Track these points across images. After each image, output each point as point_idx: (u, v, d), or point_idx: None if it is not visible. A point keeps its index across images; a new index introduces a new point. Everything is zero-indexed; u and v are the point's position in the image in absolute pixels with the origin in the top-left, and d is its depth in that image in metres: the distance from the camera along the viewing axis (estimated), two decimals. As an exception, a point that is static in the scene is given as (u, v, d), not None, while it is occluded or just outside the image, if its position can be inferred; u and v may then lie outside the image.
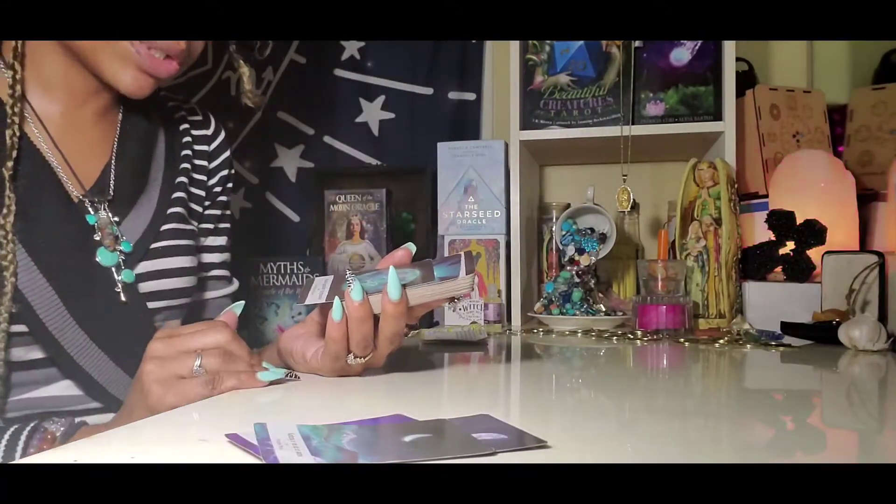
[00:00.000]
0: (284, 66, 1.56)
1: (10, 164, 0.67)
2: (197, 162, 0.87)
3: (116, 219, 0.74)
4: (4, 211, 0.65)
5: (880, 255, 0.91)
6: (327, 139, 1.54)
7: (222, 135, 0.91)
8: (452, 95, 1.47)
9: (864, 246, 1.08)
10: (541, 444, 0.38)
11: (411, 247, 0.62)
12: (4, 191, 0.66)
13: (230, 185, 0.92)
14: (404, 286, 0.56)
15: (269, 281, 1.46)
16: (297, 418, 0.43)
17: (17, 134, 0.68)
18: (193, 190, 0.86)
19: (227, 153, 0.91)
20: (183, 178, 0.83)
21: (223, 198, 0.91)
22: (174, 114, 0.87)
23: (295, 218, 1.55)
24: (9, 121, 0.68)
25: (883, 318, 0.88)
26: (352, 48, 1.52)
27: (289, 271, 1.42)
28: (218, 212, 0.91)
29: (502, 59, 1.36)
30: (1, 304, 0.63)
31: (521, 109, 1.20)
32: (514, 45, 1.20)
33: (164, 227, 0.79)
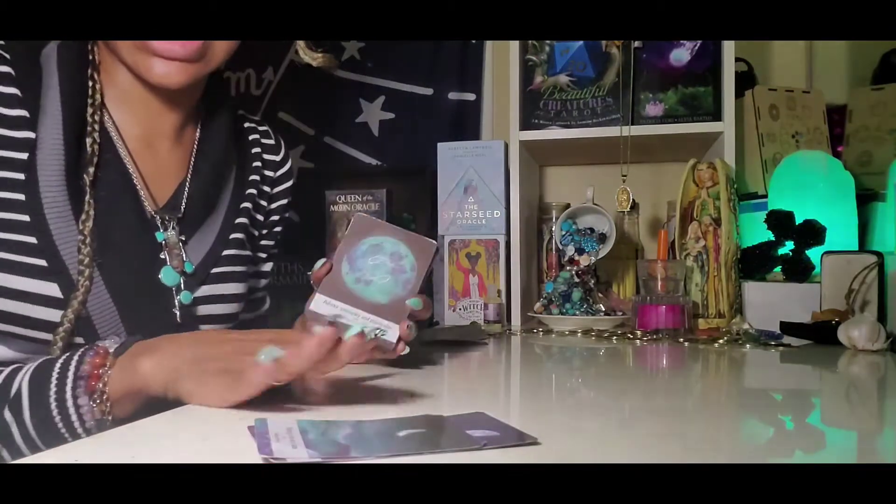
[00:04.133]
0: (284, 66, 1.56)
1: (91, 170, 0.66)
2: (263, 187, 0.86)
3: (183, 238, 0.73)
4: (83, 216, 0.65)
5: (879, 255, 0.91)
6: (327, 139, 1.54)
7: (289, 163, 0.90)
8: (452, 95, 1.47)
9: (863, 246, 1.08)
10: (532, 442, 0.38)
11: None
12: (85, 196, 0.66)
13: (287, 214, 0.91)
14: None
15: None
16: (300, 415, 0.43)
17: (98, 141, 0.68)
18: (256, 215, 0.85)
19: (291, 182, 0.90)
20: (248, 203, 0.82)
21: (278, 228, 0.90)
22: (248, 135, 0.86)
23: (295, 218, 1.55)
24: (89, 128, 0.68)
25: (882, 317, 0.88)
26: (352, 48, 1.52)
27: (289, 271, 1.42)
28: (272, 241, 0.90)
29: (502, 60, 1.36)
30: (70, 306, 0.62)
31: (521, 110, 1.20)
32: (514, 46, 1.20)
33: (226, 252, 0.77)
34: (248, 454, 0.36)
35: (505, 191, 1.20)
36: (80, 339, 0.64)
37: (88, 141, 0.67)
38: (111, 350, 0.54)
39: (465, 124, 1.47)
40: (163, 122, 0.76)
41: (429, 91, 1.48)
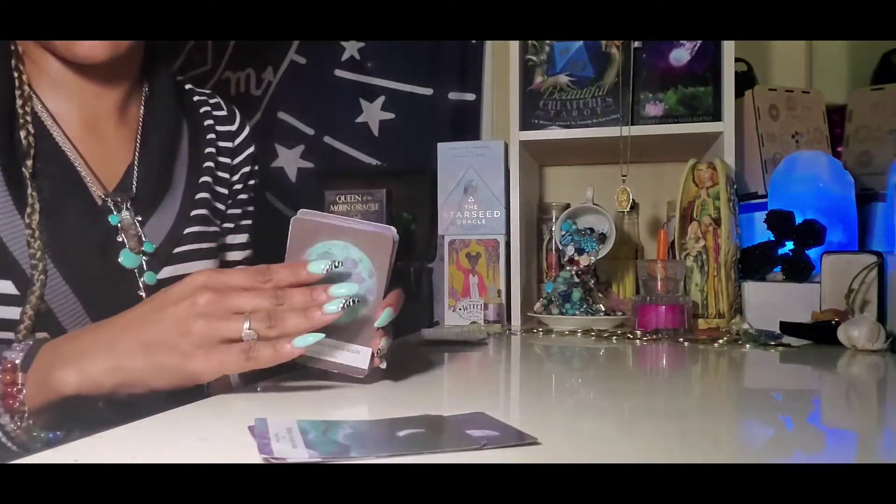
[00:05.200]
0: (284, 66, 1.56)
1: (29, 162, 0.65)
2: (221, 159, 0.85)
3: (140, 219, 0.72)
4: (28, 210, 0.64)
5: (879, 255, 0.91)
6: (327, 139, 1.54)
7: (247, 130, 0.89)
8: (452, 96, 1.47)
9: (863, 246, 1.08)
10: (532, 442, 0.38)
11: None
12: (27, 190, 0.65)
13: (252, 181, 0.90)
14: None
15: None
16: (300, 415, 0.43)
17: (32, 132, 0.67)
18: (217, 188, 0.84)
19: (252, 149, 0.89)
20: (207, 178, 0.81)
21: (244, 195, 0.89)
22: (199, 108, 0.85)
23: (295, 218, 1.55)
24: (21, 121, 0.67)
25: (882, 317, 0.88)
26: (352, 48, 1.52)
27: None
28: (239, 210, 0.89)
29: (502, 60, 1.36)
30: (28, 303, 0.62)
31: (521, 110, 1.20)
32: (514, 46, 1.20)
33: (188, 229, 0.77)
34: (248, 454, 0.36)
35: (505, 191, 1.20)
36: (45, 335, 0.63)
37: (22, 133, 0.66)
38: (17, 361, 0.53)
39: (465, 124, 1.47)
40: (102, 104, 0.74)
41: (429, 91, 1.48)
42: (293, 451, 0.35)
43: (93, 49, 0.66)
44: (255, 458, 0.35)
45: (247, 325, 0.51)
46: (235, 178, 0.87)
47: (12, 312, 0.62)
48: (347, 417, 0.44)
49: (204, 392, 0.82)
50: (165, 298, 0.53)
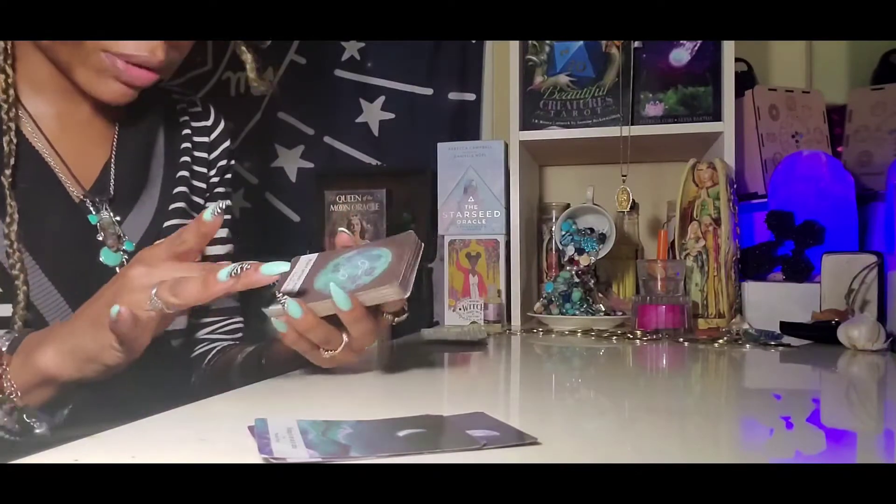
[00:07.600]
0: (284, 66, 1.56)
1: (8, 171, 0.65)
2: (197, 154, 0.85)
3: (118, 218, 0.73)
4: (7, 220, 0.64)
5: (879, 255, 0.91)
6: (327, 139, 1.54)
7: (222, 125, 0.90)
8: (452, 96, 1.47)
9: (863, 246, 1.08)
10: (532, 442, 0.38)
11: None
12: (6, 199, 0.64)
13: (229, 175, 0.91)
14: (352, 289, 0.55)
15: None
16: (300, 415, 0.43)
17: (14, 140, 0.67)
18: (195, 183, 0.84)
19: (227, 143, 0.90)
20: (184, 172, 0.82)
21: (221, 189, 0.90)
22: (175, 106, 0.86)
23: (295, 218, 1.55)
24: (4, 127, 0.66)
25: (882, 317, 0.88)
26: (352, 48, 1.52)
27: (288, 271, 1.42)
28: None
29: (502, 60, 1.36)
30: (15, 312, 0.63)
31: (521, 110, 1.20)
32: (514, 46, 1.20)
33: (167, 223, 0.78)
34: (248, 454, 0.36)
35: (505, 191, 1.20)
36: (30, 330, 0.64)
37: (4, 140, 0.66)
38: (3, 349, 0.57)
39: (465, 124, 1.47)
40: (81, 107, 0.75)
41: (429, 91, 1.48)
42: (293, 451, 0.35)
43: (122, 98, 0.69)
44: (255, 458, 0.35)
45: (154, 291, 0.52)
46: (212, 172, 0.88)
47: (6, 310, 0.63)
48: (347, 417, 0.44)
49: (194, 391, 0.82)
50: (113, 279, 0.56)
